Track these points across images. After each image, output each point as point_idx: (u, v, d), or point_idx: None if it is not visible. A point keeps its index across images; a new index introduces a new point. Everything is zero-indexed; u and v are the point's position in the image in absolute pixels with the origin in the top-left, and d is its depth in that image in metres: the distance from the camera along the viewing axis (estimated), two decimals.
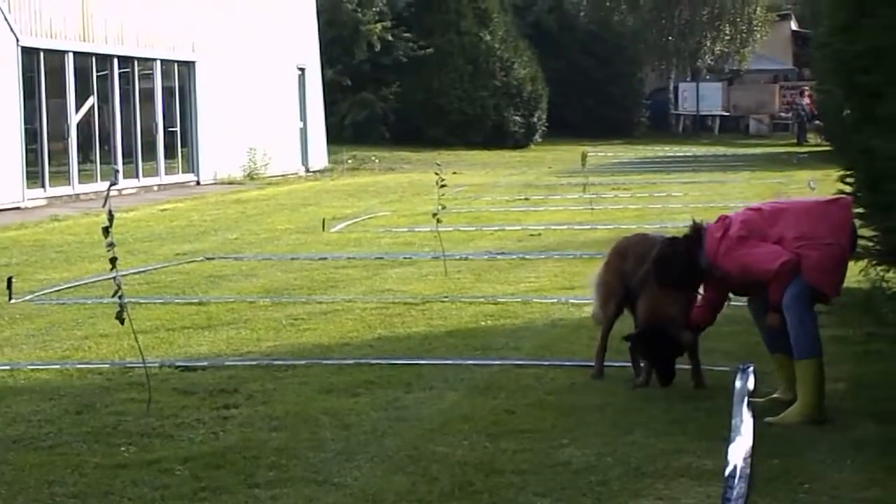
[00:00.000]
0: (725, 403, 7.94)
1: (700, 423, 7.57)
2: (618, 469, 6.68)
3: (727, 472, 6.46)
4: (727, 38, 61.72)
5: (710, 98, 61.44)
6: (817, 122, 47.14)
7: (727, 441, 7.01)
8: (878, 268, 10.78)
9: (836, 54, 10.52)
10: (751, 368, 8.61)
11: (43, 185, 26.73)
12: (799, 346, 7.64)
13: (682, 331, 8.31)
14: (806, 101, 51.39)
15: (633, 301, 8.71)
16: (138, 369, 8.99)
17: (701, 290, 8.41)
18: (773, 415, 7.67)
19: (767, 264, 7.74)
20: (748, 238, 7.88)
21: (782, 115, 58.54)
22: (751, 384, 8.31)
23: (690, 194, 26.47)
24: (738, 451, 6.80)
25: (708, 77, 63.39)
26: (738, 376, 8.46)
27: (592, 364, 9.15)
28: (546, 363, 9.41)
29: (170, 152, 32.08)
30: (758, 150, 48.15)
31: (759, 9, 61.92)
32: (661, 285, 8.34)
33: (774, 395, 8.08)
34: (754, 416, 7.56)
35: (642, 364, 8.63)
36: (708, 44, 61.65)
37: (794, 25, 65.21)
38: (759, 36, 62.00)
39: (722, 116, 61.82)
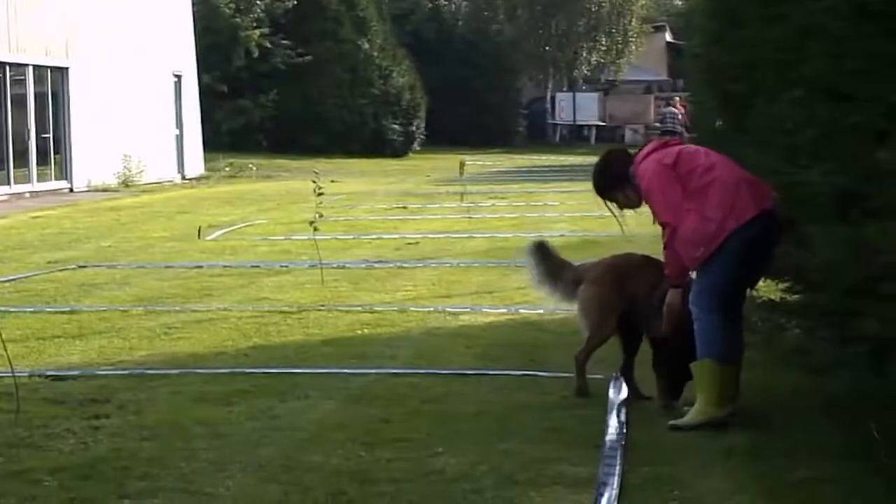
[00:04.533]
0: (600, 412, 8.01)
1: (574, 432, 7.61)
2: (492, 477, 6.69)
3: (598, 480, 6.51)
4: (603, 48, 62.40)
5: (586, 108, 62.02)
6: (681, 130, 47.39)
7: (600, 449, 7.07)
8: None
9: (708, 65, 10.66)
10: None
11: None
12: (698, 346, 7.75)
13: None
14: (676, 109, 51.43)
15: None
16: (7, 378, 8.82)
17: None
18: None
19: (661, 211, 7.82)
20: (672, 166, 7.85)
21: (657, 125, 59.23)
22: (623, 393, 8.38)
23: (567, 203, 26.65)
24: (609, 459, 6.85)
25: (584, 87, 64.00)
26: (612, 384, 8.54)
27: (468, 372, 9.19)
28: (422, 371, 9.42)
29: (42, 159, 31.59)
30: None
31: (634, 20, 62.70)
32: (597, 189, 8.34)
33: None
34: (625, 425, 7.63)
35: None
36: (584, 54, 62.29)
37: (668, 37, 66.06)
38: (634, 47, 62.80)
39: (598, 126, 62.43)
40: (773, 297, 9.91)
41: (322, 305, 12.66)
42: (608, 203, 8.39)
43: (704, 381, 7.72)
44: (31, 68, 30.93)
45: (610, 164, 8.38)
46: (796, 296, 9.02)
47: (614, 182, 8.27)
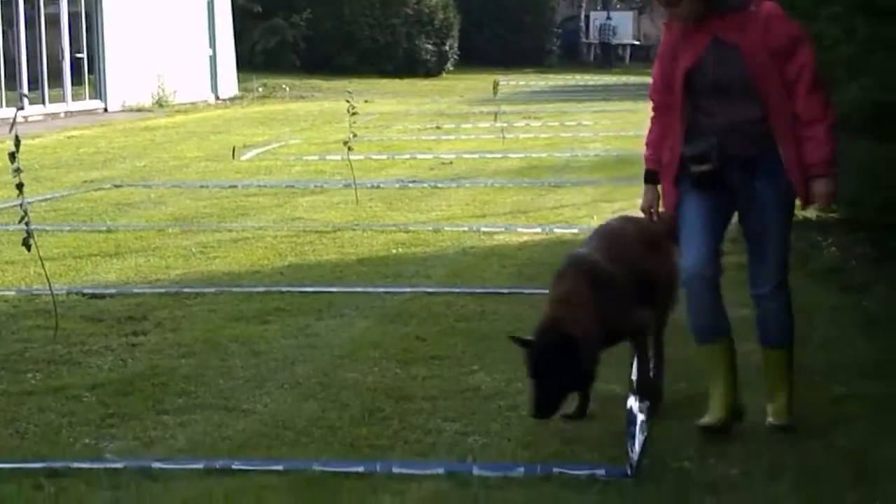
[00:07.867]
0: None
1: (609, 349, 7.60)
2: (527, 394, 6.70)
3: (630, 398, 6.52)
4: None
5: (621, 27, 61.53)
6: None
7: (630, 365, 7.07)
8: None
9: None
10: None
11: None
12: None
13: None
14: None
15: None
16: (45, 296, 8.90)
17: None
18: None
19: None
20: None
21: None
22: None
23: (601, 123, 26.54)
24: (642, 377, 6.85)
25: (619, 6, 63.47)
26: None
27: (503, 290, 9.22)
28: (457, 290, 9.44)
29: (77, 79, 31.59)
30: None
31: None
32: None
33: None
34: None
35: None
36: None
37: None
38: None
39: (633, 45, 61.96)
40: (808, 215, 9.89)
41: (356, 225, 12.69)
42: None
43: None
44: None
45: None
46: (832, 214, 8.99)
47: None
